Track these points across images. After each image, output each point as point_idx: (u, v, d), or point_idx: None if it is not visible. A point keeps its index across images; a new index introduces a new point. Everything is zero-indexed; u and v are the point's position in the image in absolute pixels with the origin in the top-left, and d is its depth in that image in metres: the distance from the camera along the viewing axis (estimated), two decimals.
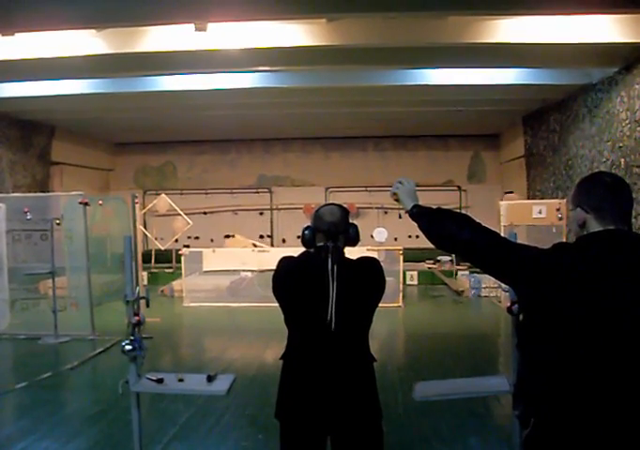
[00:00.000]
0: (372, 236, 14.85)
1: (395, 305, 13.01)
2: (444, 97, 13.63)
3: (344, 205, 3.51)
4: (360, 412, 3.25)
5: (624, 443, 2.36)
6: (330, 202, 3.68)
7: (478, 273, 14.64)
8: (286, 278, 3.36)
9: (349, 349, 3.26)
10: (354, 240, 3.41)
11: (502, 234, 2.83)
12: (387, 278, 3.44)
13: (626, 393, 2.37)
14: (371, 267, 3.36)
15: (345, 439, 3.27)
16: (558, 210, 12.36)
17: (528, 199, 15.99)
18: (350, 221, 3.42)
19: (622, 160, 10.70)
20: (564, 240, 10.95)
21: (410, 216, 2.91)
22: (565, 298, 2.41)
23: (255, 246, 16.52)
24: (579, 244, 2.58)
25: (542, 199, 14.80)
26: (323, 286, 3.14)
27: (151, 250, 18.08)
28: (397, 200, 3.04)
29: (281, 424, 3.34)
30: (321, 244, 3.30)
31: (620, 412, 2.36)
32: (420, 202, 2.94)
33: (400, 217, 16.67)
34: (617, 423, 2.37)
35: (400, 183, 3.04)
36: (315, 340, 3.24)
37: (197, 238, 19.51)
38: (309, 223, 3.44)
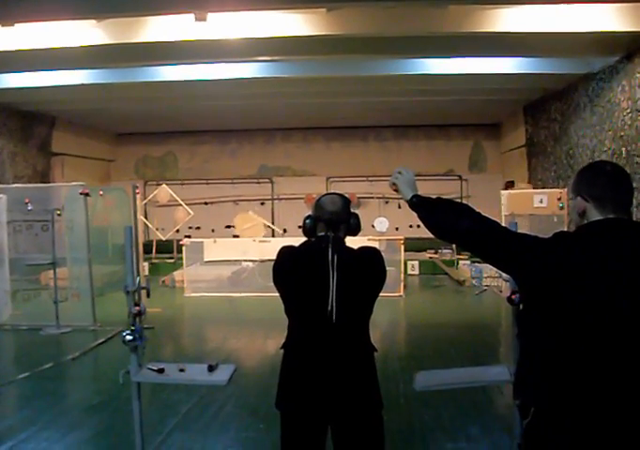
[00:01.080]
0: (373, 226, 14.84)
1: (396, 294, 13.02)
2: (445, 86, 13.58)
3: (346, 195, 3.50)
4: (361, 402, 3.25)
5: (622, 433, 2.37)
6: (332, 191, 3.66)
7: (479, 262, 14.62)
8: (286, 268, 3.35)
9: (349, 339, 3.25)
10: (355, 230, 3.41)
11: (502, 224, 2.83)
12: (388, 268, 3.44)
13: (624, 382, 2.37)
14: (371, 257, 3.35)
15: (346, 428, 3.27)
16: (559, 199, 12.35)
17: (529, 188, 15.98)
18: (352, 211, 3.42)
19: (623, 149, 10.68)
20: (565, 229, 10.95)
21: (410, 205, 2.90)
22: (564, 287, 2.41)
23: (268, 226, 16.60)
24: (579, 233, 2.58)
25: (543, 188, 14.78)
26: (323, 276, 3.14)
27: (152, 241, 18.09)
28: (396, 190, 3.02)
29: (281, 414, 3.34)
30: (322, 233, 3.30)
31: (619, 402, 2.37)
32: (420, 192, 2.93)
33: (399, 206, 16.65)
34: (615, 412, 2.37)
35: (399, 173, 3.01)
36: (315, 330, 3.24)
37: (198, 228, 19.52)
38: (310, 213, 3.43)
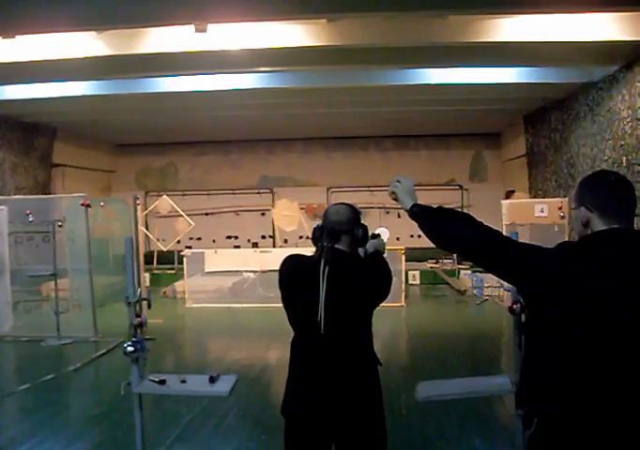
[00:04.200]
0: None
1: (397, 304, 13.01)
2: (445, 96, 13.59)
3: (354, 205, 3.49)
4: (360, 415, 3.23)
5: (628, 443, 2.36)
6: (341, 201, 3.65)
7: (480, 272, 14.61)
8: (285, 277, 3.37)
9: (342, 350, 3.23)
10: (360, 241, 3.38)
11: (504, 233, 2.81)
12: None
13: (630, 393, 2.36)
14: (369, 269, 3.35)
15: (347, 441, 3.27)
16: (560, 209, 12.35)
17: (530, 198, 15.98)
18: (361, 222, 3.40)
19: (624, 159, 10.68)
20: (566, 239, 10.94)
21: (410, 215, 2.87)
22: (569, 298, 2.40)
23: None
24: (584, 243, 2.57)
25: (544, 197, 14.79)
26: (315, 286, 3.14)
27: (153, 252, 18.09)
28: (396, 199, 2.98)
29: (285, 422, 3.35)
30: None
31: (624, 412, 2.35)
32: (420, 201, 2.91)
33: (399, 216, 16.66)
34: (620, 422, 2.36)
35: (398, 182, 2.98)
36: (308, 340, 3.26)
37: (199, 239, 19.50)
38: (316, 223, 3.46)
